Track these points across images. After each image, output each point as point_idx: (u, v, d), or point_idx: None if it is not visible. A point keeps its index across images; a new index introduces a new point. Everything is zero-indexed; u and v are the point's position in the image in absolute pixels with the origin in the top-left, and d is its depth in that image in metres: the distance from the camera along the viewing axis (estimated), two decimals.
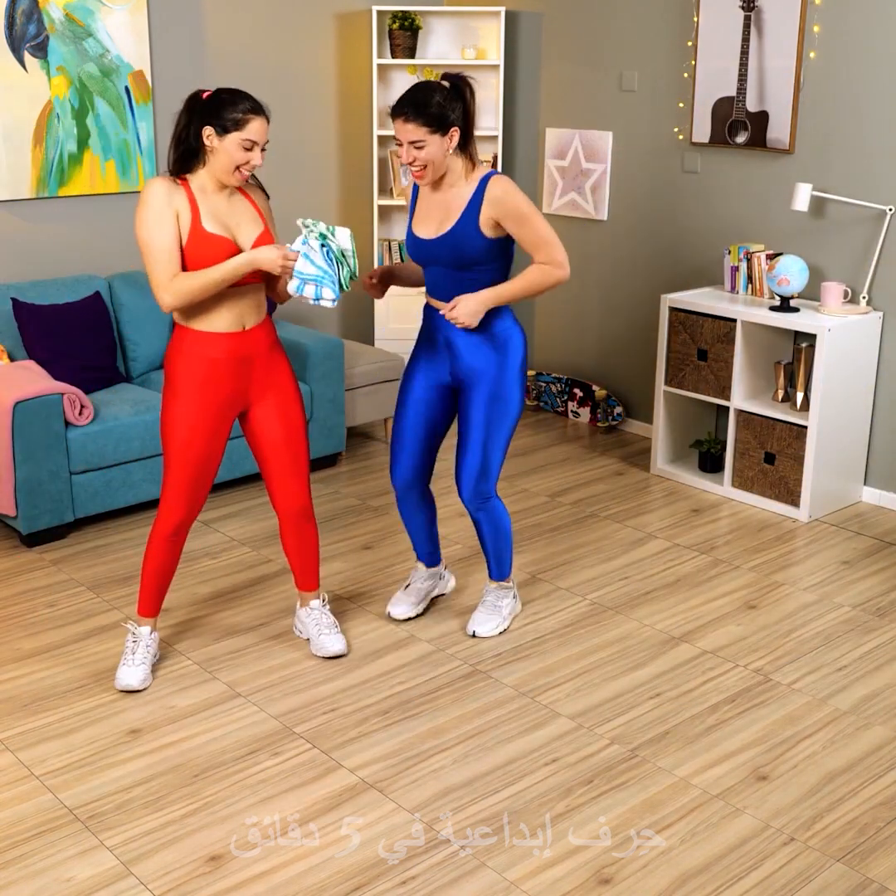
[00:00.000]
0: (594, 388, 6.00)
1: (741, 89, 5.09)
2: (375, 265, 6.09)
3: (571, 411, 6.12)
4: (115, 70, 5.21)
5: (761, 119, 5.06)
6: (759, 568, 4.39)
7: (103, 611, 4.01)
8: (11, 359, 4.82)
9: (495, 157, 6.02)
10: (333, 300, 3.17)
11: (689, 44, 5.29)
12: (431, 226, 3.48)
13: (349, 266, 3.19)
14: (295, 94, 5.88)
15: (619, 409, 5.90)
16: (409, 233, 3.54)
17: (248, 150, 3.17)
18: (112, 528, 4.71)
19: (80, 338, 4.87)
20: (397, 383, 5.61)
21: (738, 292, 5.17)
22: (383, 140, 6.10)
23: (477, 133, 5.79)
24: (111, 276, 5.24)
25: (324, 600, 3.77)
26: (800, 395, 4.86)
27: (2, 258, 5.09)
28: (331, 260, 3.15)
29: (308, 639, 3.76)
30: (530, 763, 3.17)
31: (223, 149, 3.16)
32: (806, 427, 4.75)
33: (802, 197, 4.78)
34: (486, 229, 3.40)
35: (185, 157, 3.23)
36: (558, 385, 6.14)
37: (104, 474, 4.59)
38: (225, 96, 3.15)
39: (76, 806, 2.97)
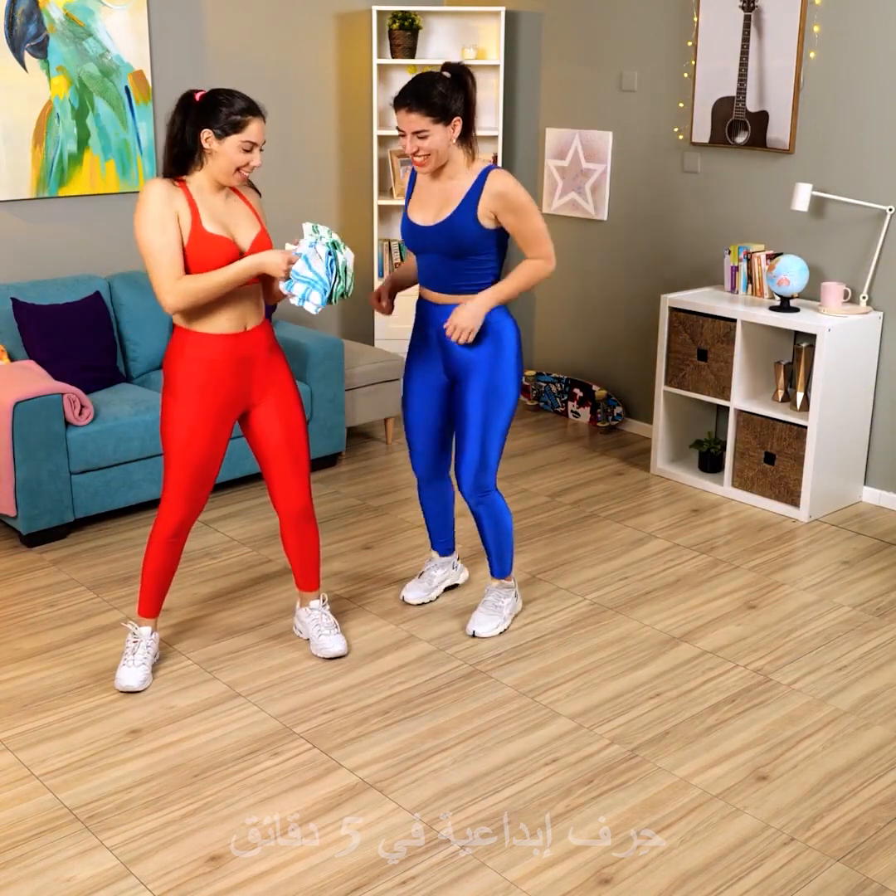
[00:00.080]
0: (594, 388, 6.00)
1: (741, 89, 5.09)
2: (375, 265, 6.09)
3: (571, 411, 6.12)
4: (115, 70, 5.21)
5: (761, 119, 5.05)
6: (759, 568, 4.38)
7: (103, 611, 4.01)
8: (11, 359, 4.82)
9: (495, 157, 6.01)
10: (318, 307, 3.19)
11: (689, 44, 5.29)
12: (429, 213, 3.49)
13: (345, 283, 3.21)
14: (295, 94, 5.88)
15: (619, 409, 5.90)
16: (405, 218, 3.54)
17: (248, 151, 3.17)
18: (112, 528, 4.71)
19: (80, 338, 4.87)
20: (397, 383, 5.61)
21: (738, 292, 5.17)
22: (383, 140, 6.10)
23: (477, 133, 5.78)
24: (111, 276, 5.24)
25: (324, 601, 3.77)
26: (800, 395, 4.86)
27: (2, 258, 5.09)
28: (331, 270, 3.17)
29: (308, 639, 3.76)
30: (530, 763, 3.17)
31: (223, 152, 3.15)
32: (806, 427, 4.75)
33: (802, 197, 4.78)
34: (484, 220, 3.41)
35: (180, 159, 3.22)
36: (558, 385, 6.14)
37: (104, 474, 4.59)
38: (221, 98, 3.12)
39: (76, 806, 2.97)
